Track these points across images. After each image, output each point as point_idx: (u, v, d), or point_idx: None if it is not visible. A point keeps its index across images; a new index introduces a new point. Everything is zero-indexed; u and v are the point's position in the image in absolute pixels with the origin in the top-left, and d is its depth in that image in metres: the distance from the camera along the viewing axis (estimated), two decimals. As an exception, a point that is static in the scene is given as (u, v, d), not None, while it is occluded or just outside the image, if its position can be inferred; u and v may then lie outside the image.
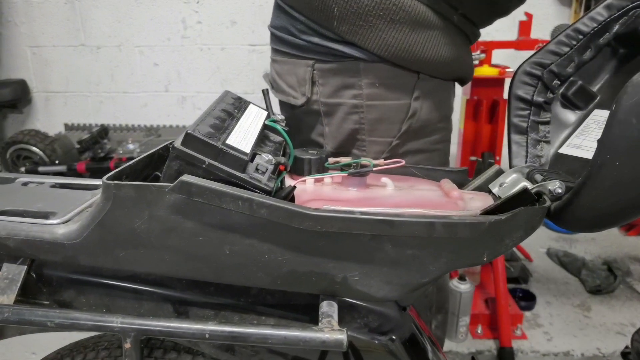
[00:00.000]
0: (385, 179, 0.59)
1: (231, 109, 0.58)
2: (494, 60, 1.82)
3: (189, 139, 0.46)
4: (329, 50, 0.79)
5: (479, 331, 1.76)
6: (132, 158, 1.82)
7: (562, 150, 0.63)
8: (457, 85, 0.93)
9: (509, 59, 1.97)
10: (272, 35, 0.89)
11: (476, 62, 1.77)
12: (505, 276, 1.73)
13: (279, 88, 0.89)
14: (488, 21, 0.86)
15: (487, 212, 0.49)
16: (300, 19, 0.80)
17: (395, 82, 0.80)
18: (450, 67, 0.81)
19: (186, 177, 0.44)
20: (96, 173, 2.39)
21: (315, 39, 0.79)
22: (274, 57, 0.91)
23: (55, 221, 0.50)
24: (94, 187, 0.63)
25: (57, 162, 2.48)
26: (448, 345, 1.72)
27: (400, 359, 0.54)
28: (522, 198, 0.48)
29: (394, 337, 0.54)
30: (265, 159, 0.50)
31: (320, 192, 0.56)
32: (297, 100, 0.85)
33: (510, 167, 0.65)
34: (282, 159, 0.53)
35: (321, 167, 0.61)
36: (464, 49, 0.83)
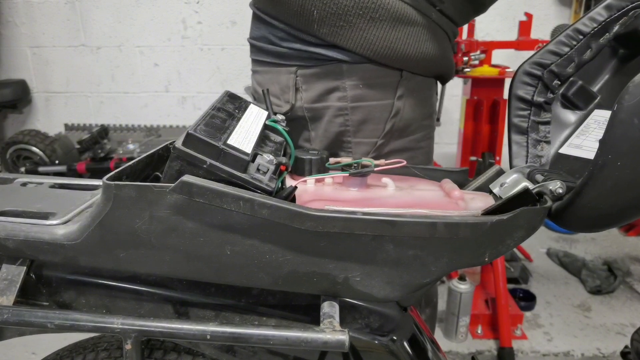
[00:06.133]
0: (386, 179, 0.59)
1: (232, 109, 0.58)
2: (494, 61, 1.82)
3: (190, 139, 0.46)
4: (311, 54, 0.78)
5: (479, 331, 1.76)
6: (132, 158, 1.82)
7: (562, 151, 0.63)
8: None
9: (509, 59, 1.98)
10: (252, 46, 0.88)
11: (476, 62, 1.77)
12: (506, 276, 1.73)
13: (261, 99, 0.88)
14: (466, 18, 0.86)
15: (489, 212, 0.49)
16: (279, 26, 0.80)
17: (378, 82, 0.80)
18: (432, 64, 0.81)
19: (187, 178, 0.44)
20: (96, 173, 2.39)
21: (297, 45, 0.79)
22: (255, 68, 0.90)
23: (55, 222, 0.50)
24: (93, 188, 0.62)
25: (57, 162, 2.48)
26: (448, 345, 1.72)
27: (400, 359, 0.54)
28: (523, 198, 0.48)
29: (394, 338, 0.54)
30: (266, 159, 0.50)
31: (321, 193, 0.56)
32: (281, 109, 0.84)
33: (511, 167, 0.65)
34: (284, 159, 0.53)
35: (322, 168, 0.61)
36: (444, 45, 0.83)
